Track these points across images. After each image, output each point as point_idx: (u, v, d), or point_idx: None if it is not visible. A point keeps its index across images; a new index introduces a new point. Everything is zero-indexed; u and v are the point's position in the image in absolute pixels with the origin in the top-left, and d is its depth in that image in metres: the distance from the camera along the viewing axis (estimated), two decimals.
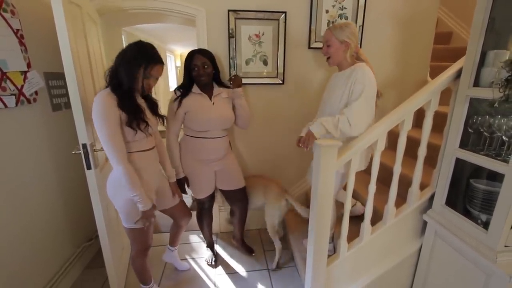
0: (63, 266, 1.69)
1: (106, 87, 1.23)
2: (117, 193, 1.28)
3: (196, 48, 1.64)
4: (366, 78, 1.31)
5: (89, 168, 1.36)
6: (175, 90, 1.61)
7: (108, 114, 1.14)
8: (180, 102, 1.56)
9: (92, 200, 1.41)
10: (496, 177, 1.16)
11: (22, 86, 1.40)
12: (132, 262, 1.48)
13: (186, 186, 1.70)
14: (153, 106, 1.39)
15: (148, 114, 1.32)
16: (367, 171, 1.44)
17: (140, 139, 1.27)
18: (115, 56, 1.21)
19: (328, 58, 1.42)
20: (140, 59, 1.19)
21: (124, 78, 1.19)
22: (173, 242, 1.81)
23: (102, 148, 1.46)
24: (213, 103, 1.61)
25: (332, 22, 1.95)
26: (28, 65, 1.43)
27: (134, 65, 1.18)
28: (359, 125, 1.30)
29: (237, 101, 1.68)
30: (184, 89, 1.59)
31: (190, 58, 1.56)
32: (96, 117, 1.14)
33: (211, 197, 1.82)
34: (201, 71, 1.55)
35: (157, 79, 1.28)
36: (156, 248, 2.08)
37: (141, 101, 1.32)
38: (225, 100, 1.66)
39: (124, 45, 1.26)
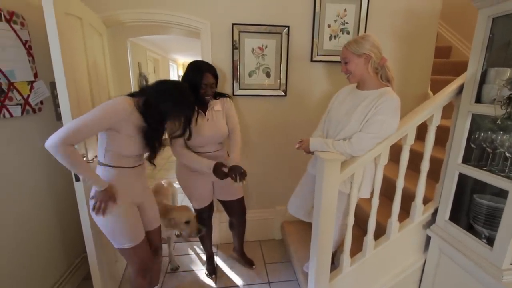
0: (62, 277, 1.67)
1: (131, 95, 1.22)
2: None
3: (201, 61, 1.62)
4: (391, 112, 1.22)
5: (77, 179, 1.35)
6: None
7: (112, 114, 1.09)
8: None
9: (80, 214, 1.39)
10: (500, 193, 1.15)
11: (28, 95, 1.41)
12: (132, 282, 1.40)
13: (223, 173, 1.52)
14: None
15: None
16: None
17: (131, 157, 1.23)
18: (156, 92, 1.19)
19: (348, 76, 1.33)
20: (183, 113, 1.27)
21: (168, 119, 1.24)
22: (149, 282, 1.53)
23: (93, 159, 1.46)
24: (208, 119, 1.59)
25: (334, 36, 1.98)
26: (35, 75, 1.45)
27: (176, 117, 1.26)
28: (361, 152, 1.26)
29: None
30: None
31: (199, 74, 1.50)
32: (101, 108, 1.09)
33: (210, 207, 1.81)
34: (209, 92, 1.54)
35: None
36: None
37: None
38: (218, 114, 1.63)
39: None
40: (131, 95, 1.22)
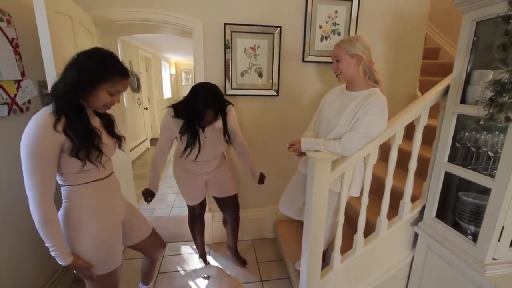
0: (51, 279, 1.64)
1: (46, 104, 0.94)
2: (75, 234, 1.01)
3: (208, 93, 1.45)
4: (378, 112, 1.24)
5: None
6: (173, 110, 1.52)
7: (42, 145, 0.87)
8: (191, 132, 1.50)
9: None
10: (484, 191, 1.20)
11: (15, 95, 1.38)
12: None
13: (148, 199, 1.61)
14: (110, 124, 1.12)
15: (105, 138, 1.05)
16: None
17: (92, 168, 1.00)
18: (64, 68, 0.95)
19: (337, 74, 1.33)
20: (103, 73, 0.94)
21: (77, 93, 0.92)
22: (146, 279, 1.52)
23: None
24: (205, 137, 1.57)
25: (326, 37, 2.01)
26: (22, 74, 1.42)
27: (95, 80, 0.93)
28: (351, 152, 1.29)
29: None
30: (187, 128, 1.50)
31: (204, 108, 1.42)
32: (25, 145, 0.86)
33: (202, 204, 1.83)
34: (208, 123, 1.52)
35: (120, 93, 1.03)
36: None
37: (96, 121, 1.05)
38: (216, 130, 1.59)
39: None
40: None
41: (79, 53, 0.96)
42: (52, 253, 0.94)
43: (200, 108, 1.43)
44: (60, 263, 0.96)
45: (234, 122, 1.65)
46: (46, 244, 0.93)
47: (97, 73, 0.93)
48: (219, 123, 1.58)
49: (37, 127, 0.87)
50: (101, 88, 0.94)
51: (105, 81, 0.94)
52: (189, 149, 1.52)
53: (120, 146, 1.15)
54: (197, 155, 1.56)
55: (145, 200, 1.61)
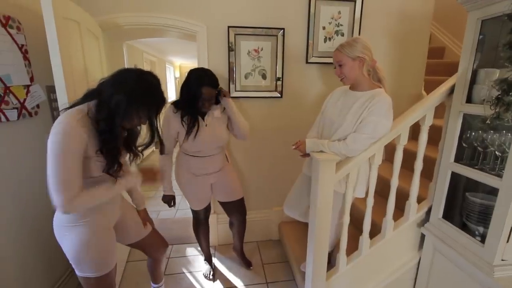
0: (58, 281, 1.67)
1: (72, 106, 0.96)
2: (64, 234, 1.02)
3: (203, 70, 1.53)
4: (383, 113, 1.24)
5: None
6: (173, 106, 1.55)
7: (73, 147, 0.88)
8: (188, 123, 1.51)
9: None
10: (491, 191, 1.18)
11: (25, 99, 1.41)
12: None
13: (172, 202, 1.69)
14: (133, 138, 1.13)
15: (122, 149, 1.08)
16: None
17: (106, 177, 1.01)
18: (114, 84, 0.95)
19: (342, 78, 1.34)
20: (153, 103, 0.98)
21: (119, 117, 0.93)
22: (154, 278, 1.54)
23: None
24: (206, 124, 1.57)
25: (329, 38, 2.01)
26: (31, 79, 1.46)
27: (138, 108, 0.95)
28: (355, 153, 1.28)
29: (225, 104, 1.59)
30: (187, 111, 1.52)
31: (199, 86, 1.45)
32: (54, 146, 0.86)
33: (207, 209, 1.83)
34: (206, 105, 1.51)
35: None
36: None
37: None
38: (218, 120, 1.61)
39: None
40: (85, 98, 0.98)
41: (126, 74, 0.98)
42: (124, 189, 1.08)
43: (195, 87, 1.45)
44: (139, 185, 1.12)
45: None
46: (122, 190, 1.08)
47: (142, 103, 0.95)
48: (218, 112, 1.60)
49: (68, 128, 0.88)
50: (140, 113, 0.99)
51: (147, 110, 0.99)
52: (190, 131, 1.51)
53: (132, 161, 1.15)
54: (195, 135, 1.52)
55: (169, 206, 1.68)
